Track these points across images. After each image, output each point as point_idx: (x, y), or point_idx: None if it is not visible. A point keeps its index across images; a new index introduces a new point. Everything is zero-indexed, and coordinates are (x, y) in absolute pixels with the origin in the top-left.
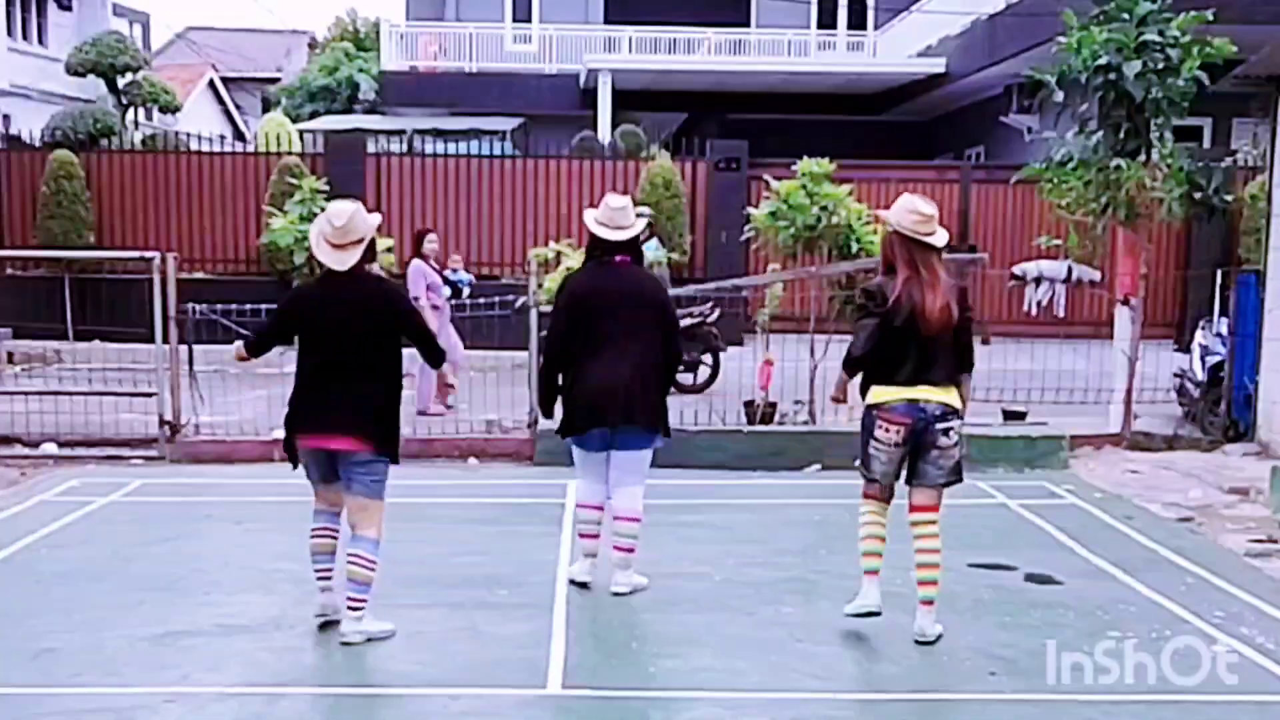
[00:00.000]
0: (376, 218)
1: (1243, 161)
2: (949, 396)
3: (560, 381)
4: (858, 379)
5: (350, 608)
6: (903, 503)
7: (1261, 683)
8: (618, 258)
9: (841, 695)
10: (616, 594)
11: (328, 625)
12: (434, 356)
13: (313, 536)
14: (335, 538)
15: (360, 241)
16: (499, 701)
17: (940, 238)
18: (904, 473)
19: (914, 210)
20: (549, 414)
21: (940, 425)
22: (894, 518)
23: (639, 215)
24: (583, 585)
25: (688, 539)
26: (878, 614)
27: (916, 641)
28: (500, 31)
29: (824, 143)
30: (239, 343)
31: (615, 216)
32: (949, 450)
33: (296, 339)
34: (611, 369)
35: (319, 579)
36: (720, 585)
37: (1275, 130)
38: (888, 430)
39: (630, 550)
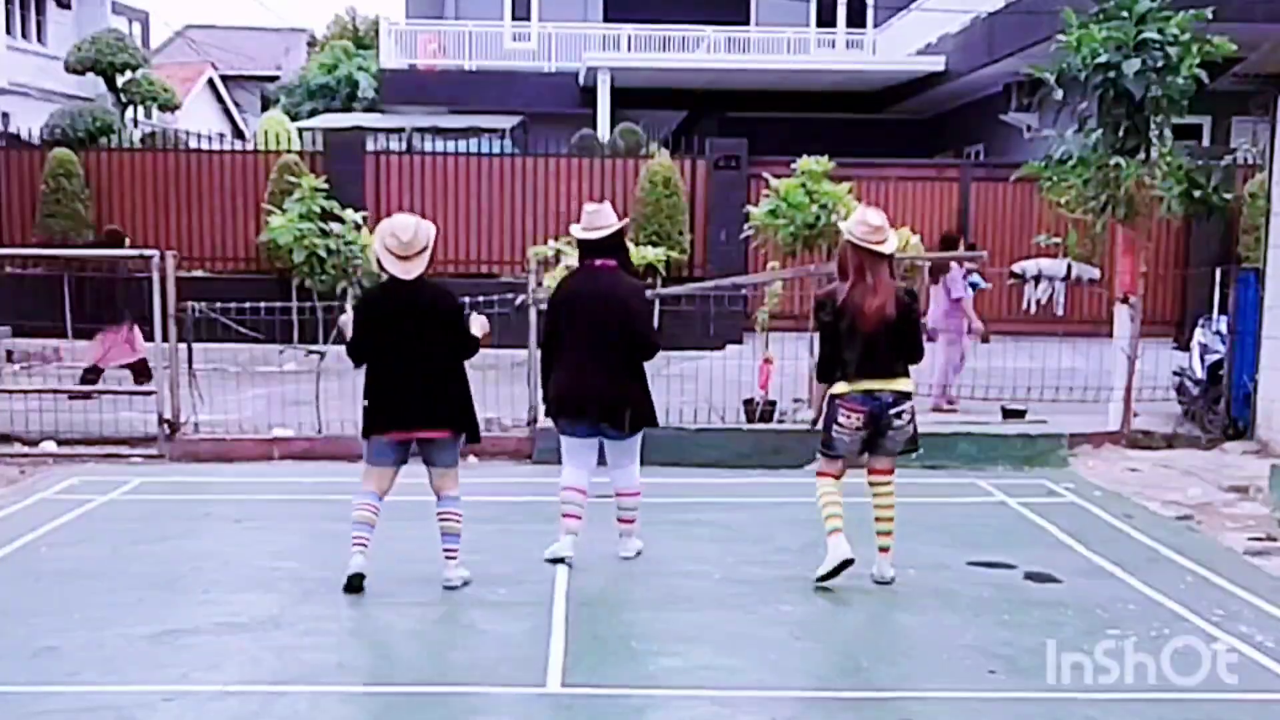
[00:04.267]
0: (434, 228)
1: (1242, 159)
2: (898, 385)
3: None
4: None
5: (449, 557)
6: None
7: (1261, 681)
8: (599, 261)
9: (840, 694)
10: (625, 558)
11: (352, 588)
12: (470, 350)
13: (359, 509)
14: (378, 514)
15: (424, 251)
16: (498, 700)
17: (889, 245)
18: (864, 448)
19: (864, 222)
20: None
21: (893, 410)
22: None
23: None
24: (560, 560)
25: (687, 537)
26: (851, 561)
27: (874, 580)
28: (499, 30)
29: (823, 141)
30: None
31: (590, 219)
32: (903, 428)
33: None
34: (584, 371)
35: (356, 544)
36: (719, 583)
37: (1275, 128)
38: (849, 416)
39: (633, 521)
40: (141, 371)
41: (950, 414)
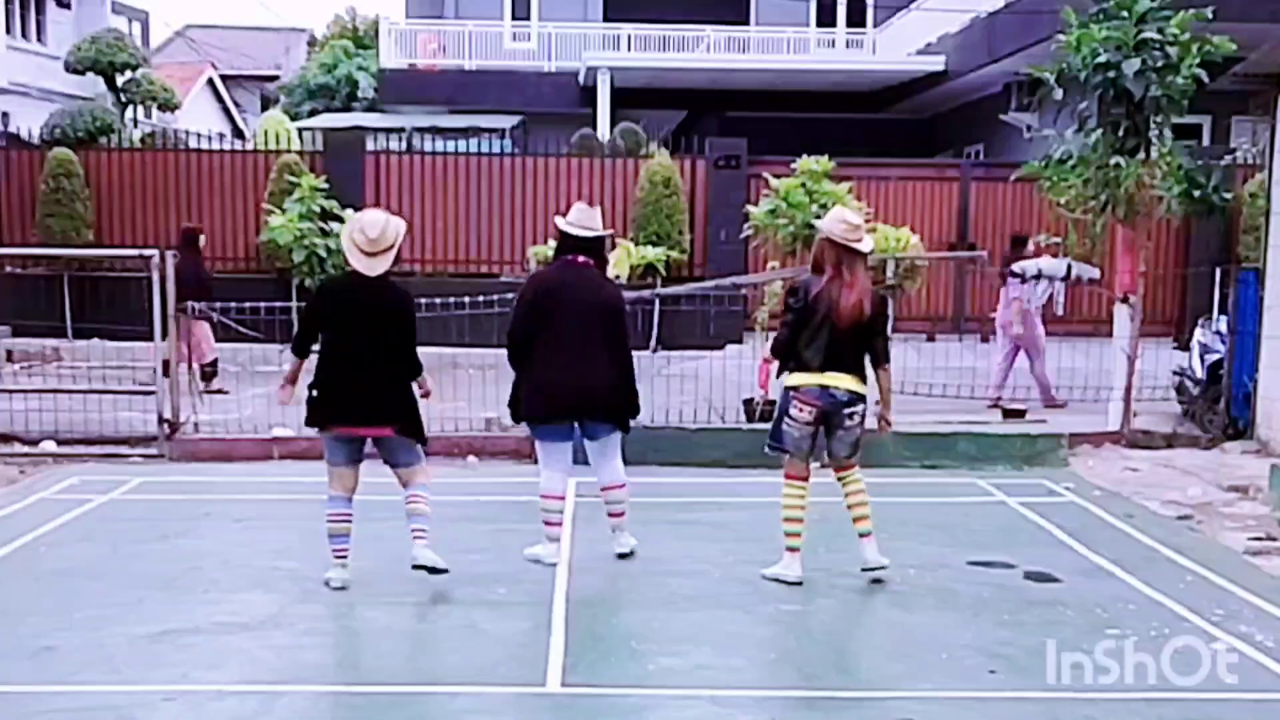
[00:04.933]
0: (403, 225)
1: (1242, 159)
2: (855, 384)
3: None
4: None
5: (417, 537)
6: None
7: (1261, 681)
8: (580, 258)
9: (840, 693)
10: (621, 555)
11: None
12: (413, 367)
13: (331, 520)
14: (351, 521)
15: (390, 249)
16: (497, 699)
17: (866, 245)
18: (817, 448)
19: (843, 221)
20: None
21: (846, 410)
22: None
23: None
24: (551, 565)
25: (686, 536)
26: (800, 584)
27: (863, 570)
28: (499, 29)
29: (823, 140)
30: (288, 367)
31: (580, 216)
32: (852, 429)
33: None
34: (570, 365)
35: (337, 556)
36: (719, 583)
37: (1274, 128)
38: (801, 410)
39: (622, 515)
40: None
41: (1058, 410)
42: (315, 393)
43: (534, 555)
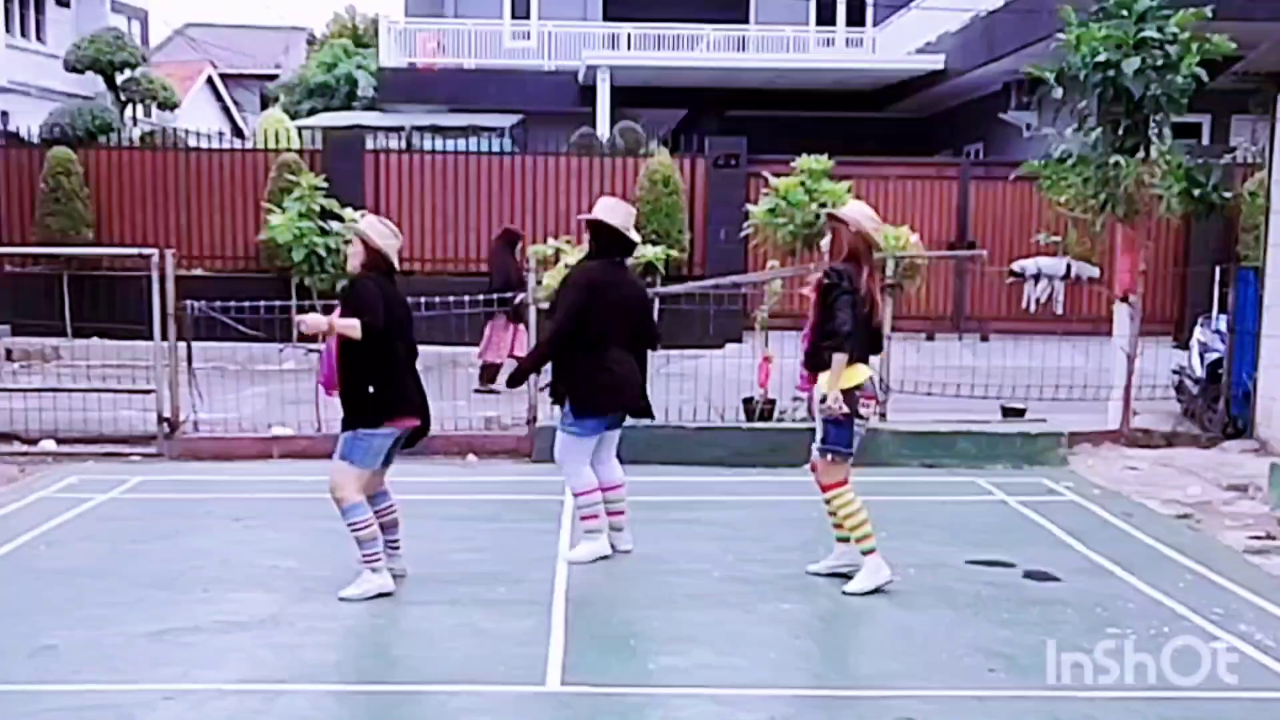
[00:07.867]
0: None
1: (1241, 158)
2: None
3: (573, 365)
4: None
5: (396, 547)
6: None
7: (1261, 680)
8: (618, 258)
9: (840, 692)
10: (626, 551)
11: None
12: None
13: (366, 526)
14: (398, 509)
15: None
16: (498, 698)
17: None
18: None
19: (872, 218)
20: (518, 382)
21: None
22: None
23: None
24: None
25: (686, 535)
26: (891, 581)
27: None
28: (499, 28)
29: (823, 139)
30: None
31: (626, 218)
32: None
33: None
34: (629, 361)
35: (379, 560)
36: (719, 582)
37: (1274, 127)
38: (867, 406)
39: (625, 513)
40: (488, 374)
41: None
42: (373, 389)
43: (595, 554)
